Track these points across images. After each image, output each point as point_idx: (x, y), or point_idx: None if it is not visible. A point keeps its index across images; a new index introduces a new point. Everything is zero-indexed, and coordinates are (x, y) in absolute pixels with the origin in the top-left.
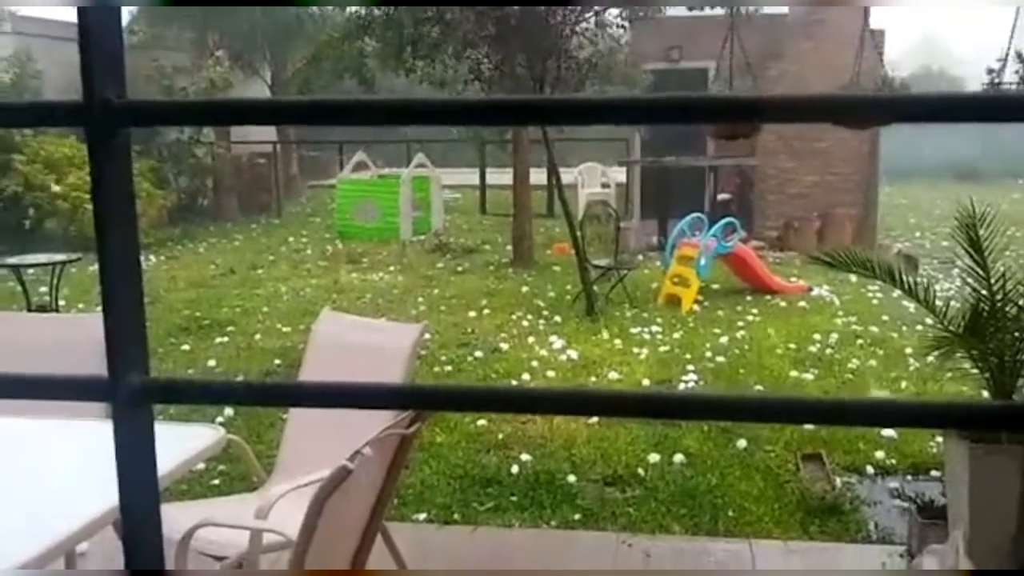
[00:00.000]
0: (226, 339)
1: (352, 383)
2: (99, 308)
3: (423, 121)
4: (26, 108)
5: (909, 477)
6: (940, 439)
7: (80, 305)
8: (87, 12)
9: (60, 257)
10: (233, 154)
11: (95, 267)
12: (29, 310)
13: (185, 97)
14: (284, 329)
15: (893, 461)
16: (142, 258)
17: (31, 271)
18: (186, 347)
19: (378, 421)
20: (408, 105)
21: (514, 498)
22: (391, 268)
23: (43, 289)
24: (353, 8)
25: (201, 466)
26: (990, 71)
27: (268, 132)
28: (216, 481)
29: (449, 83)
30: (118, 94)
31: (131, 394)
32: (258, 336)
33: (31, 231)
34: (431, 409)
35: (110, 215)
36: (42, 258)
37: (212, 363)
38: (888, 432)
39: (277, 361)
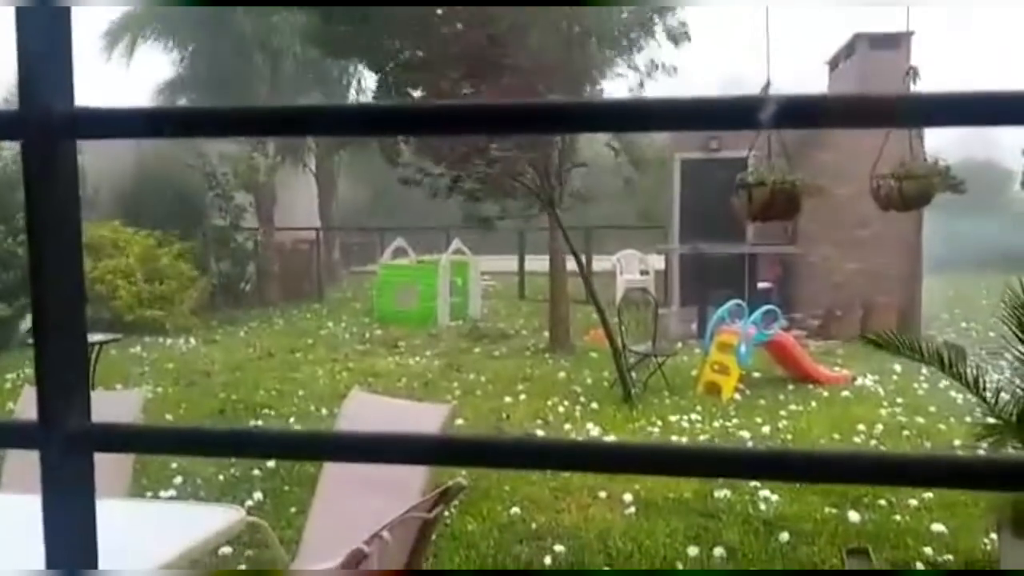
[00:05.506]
0: (260, 422)
1: (302, 431)
2: (139, 386)
3: (407, 131)
4: None
5: None
6: (994, 536)
7: (118, 385)
8: (25, 9)
9: (99, 337)
10: (276, 240)
11: (135, 348)
12: None
13: (228, 182)
14: (320, 412)
15: (943, 558)
16: (182, 341)
17: None
18: None
19: (406, 505)
20: (389, 111)
21: None
22: (427, 353)
23: None
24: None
25: (228, 550)
26: None
27: (311, 218)
28: (243, 566)
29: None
30: (63, 102)
31: (65, 442)
32: (292, 419)
33: None
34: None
35: (48, 242)
36: None
37: None
38: (938, 527)
39: None
